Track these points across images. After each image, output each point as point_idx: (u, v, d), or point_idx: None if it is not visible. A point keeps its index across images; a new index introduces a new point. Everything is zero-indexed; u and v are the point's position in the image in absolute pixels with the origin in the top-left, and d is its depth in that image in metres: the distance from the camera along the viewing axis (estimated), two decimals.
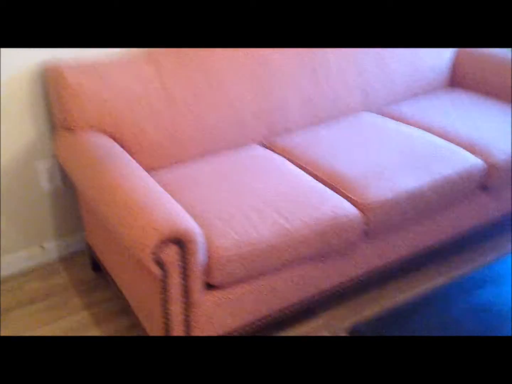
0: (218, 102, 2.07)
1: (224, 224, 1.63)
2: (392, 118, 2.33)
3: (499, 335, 1.28)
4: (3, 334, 1.96)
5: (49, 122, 2.11)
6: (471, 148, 2.05)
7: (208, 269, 1.57)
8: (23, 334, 1.96)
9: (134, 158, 1.99)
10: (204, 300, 1.60)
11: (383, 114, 2.38)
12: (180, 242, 1.46)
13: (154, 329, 1.65)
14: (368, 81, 2.38)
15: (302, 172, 1.93)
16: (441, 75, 2.59)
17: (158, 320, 1.58)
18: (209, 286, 1.62)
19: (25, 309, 2.08)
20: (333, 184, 1.86)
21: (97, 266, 2.20)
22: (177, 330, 1.59)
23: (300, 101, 2.23)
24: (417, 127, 2.22)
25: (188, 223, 1.46)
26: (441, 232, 2.04)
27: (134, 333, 1.94)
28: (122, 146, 1.96)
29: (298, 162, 2.01)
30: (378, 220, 1.79)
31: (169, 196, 1.58)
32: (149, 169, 2.01)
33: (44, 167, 2.17)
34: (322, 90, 2.28)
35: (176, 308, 1.55)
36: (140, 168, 1.73)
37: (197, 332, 1.63)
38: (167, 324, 1.56)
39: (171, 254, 1.46)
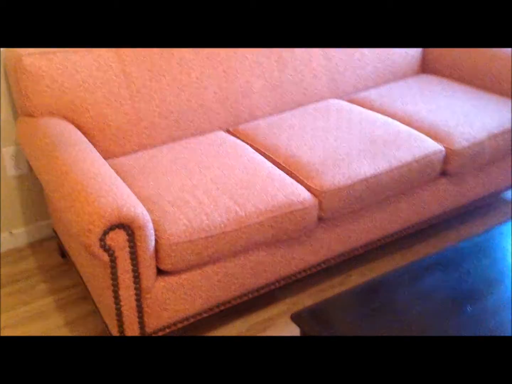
0: (181, 87, 2.07)
1: (176, 210, 1.64)
2: (359, 104, 2.33)
3: (441, 320, 1.29)
4: None
5: (13, 108, 2.10)
6: (433, 134, 2.05)
7: (158, 255, 1.58)
8: None
9: (96, 145, 1.99)
10: (157, 286, 1.61)
11: (351, 100, 2.38)
12: (128, 228, 1.47)
13: (108, 315, 1.66)
14: (336, 67, 2.38)
15: (262, 158, 1.93)
16: (412, 61, 2.59)
17: (110, 306, 1.59)
18: (161, 272, 1.63)
19: None
20: (291, 170, 1.86)
21: (65, 252, 2.21)
22: (130, 316, 1.60)
23: (265, 87, 2.23)
24: (382, 114, 2.22)
25: (136, 209, 1.46)
26: (404, 219, 2.05)
27: (94, 320, 1.95)
28: (84, 133, 1.96)
29: (260, 149, 2.01)
30: (333, 206, 1.79)
31: (121, 182, 1.58)
32: (111, 155, 2.02)
33: (10, 154, 2.17)
34: (288, 77, 2.27)
35: (127, 294, 1.56)
36: (96, 154, 1.73)
37: (150, 318, 1.64)
38: (118, 310, 1.57)
39: (118, 240, 1.47)
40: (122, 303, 1.57)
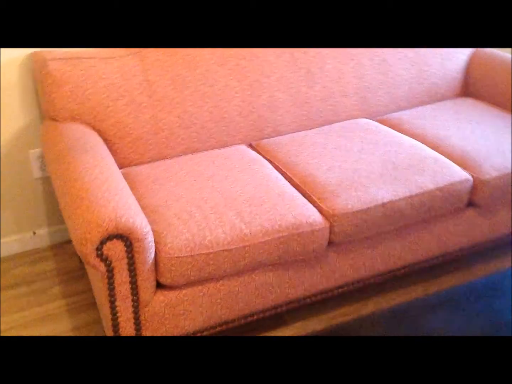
0: (204, 98, 2.05)
1: (180, 223, 1.61)
2: (389, 125, 2.25)
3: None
4: None
5: (41, 111, 2.13)
6: (461, 162, 1.95)
7: (158, 269, 1.55)
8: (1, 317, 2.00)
9: (115, 152, 1.99)
10: (155, 300, 1.59)
11: (381, 121, 2.30)
12: (126, 239, 1.45)
13: (106, 325, 1.64)
14: (368, 86, 2.31)
15: (279, 176, 1.88)
16: (452, 83, 2.49)
17: (108, 317, 1.57)
18: (161, 286, 1.60)
19: (8, 293, 2.12)
20: (306, 190, 1.81)
21: None
22: (126, 328, 1.58)
23: (292, 103, 2.18)
24: (411, 136, 2.13)
25: (135, 220, 1.44)
26: (426, 250, 1.95)
27: (100, 328, 1.94)
28: (105, 139, 1.97)
29: (278, 165, 1.96)
30: (345, 230, 1.72)
31: (127, 191, 1.57)
32: (130, 163, 2.01)
33: (36, 156, 2.21)
34: (316, 93, 2.22)
35: (124, 306, 1.54)
36: (109, 162, 1.72)
37: (148, 331, 1.62)
38: (115, 320, 1.55)
39: (116, 251, 1.45)
40: (118, 314, 1.55)
